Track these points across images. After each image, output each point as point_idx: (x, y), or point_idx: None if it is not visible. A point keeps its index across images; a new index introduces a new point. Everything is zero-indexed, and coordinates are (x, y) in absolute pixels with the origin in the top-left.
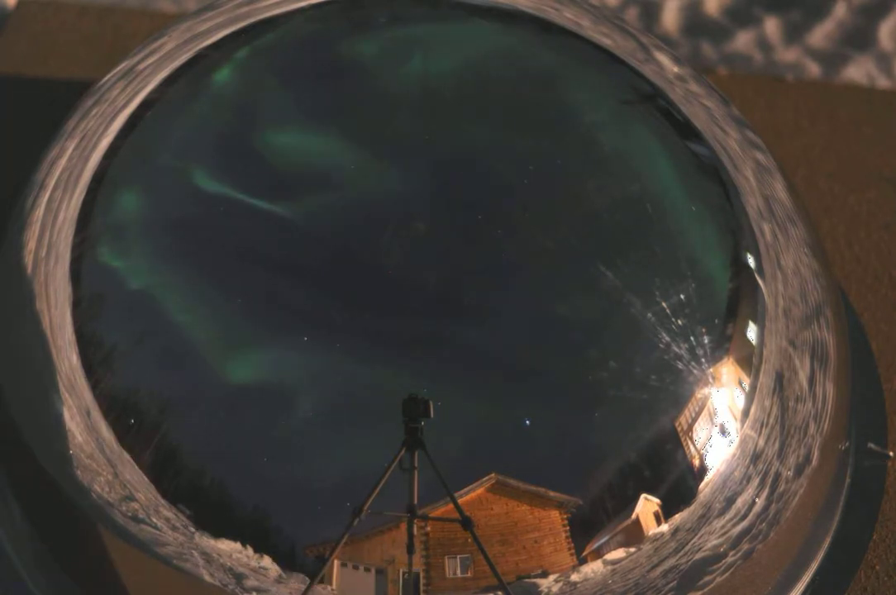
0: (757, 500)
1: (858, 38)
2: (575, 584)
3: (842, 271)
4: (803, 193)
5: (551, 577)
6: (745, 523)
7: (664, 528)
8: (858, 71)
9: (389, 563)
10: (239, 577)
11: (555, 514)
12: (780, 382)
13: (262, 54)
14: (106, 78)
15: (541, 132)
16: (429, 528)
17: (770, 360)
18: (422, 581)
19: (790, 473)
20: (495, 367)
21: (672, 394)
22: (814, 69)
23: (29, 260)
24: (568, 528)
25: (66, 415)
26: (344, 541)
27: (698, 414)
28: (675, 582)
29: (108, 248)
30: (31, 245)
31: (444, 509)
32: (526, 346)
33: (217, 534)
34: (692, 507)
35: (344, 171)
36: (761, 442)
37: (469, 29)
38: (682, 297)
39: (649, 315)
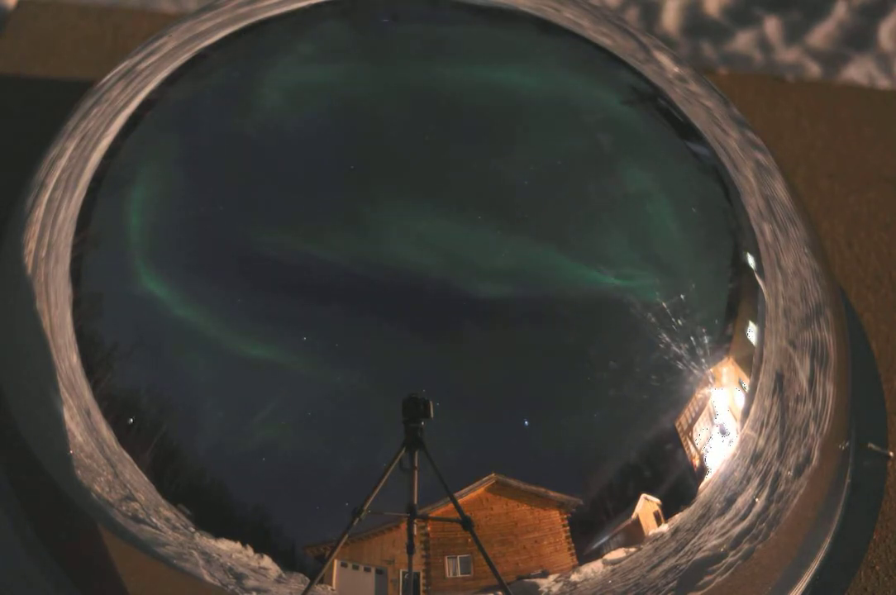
0: (757, 500)
1: (858, 38)
2: (575, 584)
3: (842, 271)
4: (803, 193)
5: (551, 577)
6: (745, 523)
7: (664, 528)
8: (858, 71)
9: (389, 563)
10: (239, 577)
11: (555, 514)
12: (780, 382)
13: (261, 54)
14: (106, 78)
15: (541, 133)
16: (429, 528)
17: (770, 360)
18: (422, 581)
19: (790, 473)
20: (495, 368)
21: (672, 394)
22: (814, 69)
23: (29, 260)
24: (568, 528)
25: (66, 415)
26: (344, 541)
27: (698, 414)
28: (675, 582)
29: (108, 248)
30: (31, 245)
31: (444, 509)
32: (526, 346)
33: (217, 534)
34: (692, 507)
35: (344, 169)
36: (761, 442)
37: (469, 29)
38: (682, 297)
39: (649, 315)
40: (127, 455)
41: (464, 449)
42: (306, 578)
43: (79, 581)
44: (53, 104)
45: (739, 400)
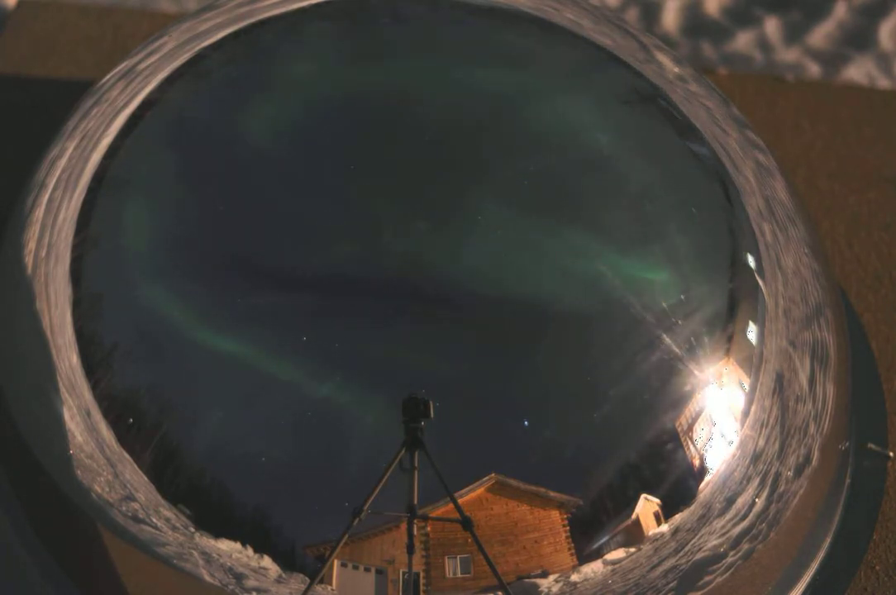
0: (757, 500)
1: (858, 38)
2: (575, 584)
3: (842, 271)
4: (803, 194)
5: (551, 577)
6: (745, 523)
7: (664, 528)
8: (858, 71)
9: (389, 563)
10: (239, 577)
11: (555, 514)
12: (781, 383)
13: (261, 54)
14: (106, 78)
15: (540, 132)
16: (429, 528)
17: (770, 360)
18: (422, 581)
19: (790, 474)
20: (496, 368)
21: (672, 394)
22: (814, 69)
23: (29, 260)
24: (568, 528)
25: (66, 415)
26: (344, 541)
27: (698, 414)
28: (676, 582)
29: (108, 248)
30: (31, 245)
31: (444, 509)
32: (526, 346)
33: (217, 534)
34: (692, 508)
35: (343, 168)
36: (761, 442)
37: (469, 29)
38: (682, 297)
39: (649, 315)
40: (127, 455)
41: (464, 449)
42: (306, 578)
43: (79, 581)
44: (53, 104)
45: (739, 400)
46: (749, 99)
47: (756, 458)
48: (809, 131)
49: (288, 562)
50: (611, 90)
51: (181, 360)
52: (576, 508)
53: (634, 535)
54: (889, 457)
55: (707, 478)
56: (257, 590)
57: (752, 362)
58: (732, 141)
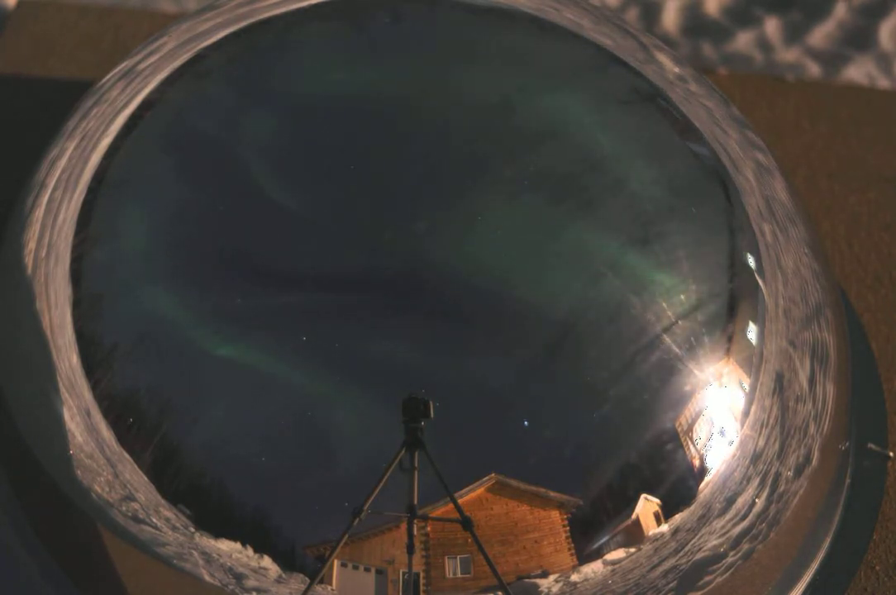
0: (757, 500)
1: (858, 38)
2: (575, 584)
3: (842, 271)
4: (804, 194)
5: (551, 577)
6: (745, 523)
7: (664, 528)
8: (858, 71)
9: (389, 563)
10: (239, 577)
11: (555, 514)
12: (781, 383)
13: (261, 54)
14: (106, 78)
15: (541, 133)
16: (429, 528)
17: (770, 360)
18: (422, 581)
19: (790, 474)
20: (495, 368)
21: (672, 394)
22: (814, 69)
23: (29, 260)
24: (568, 528)
25: (66, 415)
26: (344, 541)
27: (698, 414)
28: (676, 582)
29: (108, 248)
30: (31, 245)
31: (444, 509)
32: (526, 347)
33: (217, 534)
34: (692, 508)
35: (343, 168)
36: (761, 442)
37: (468, 29)
38: (682, 297)
39: (649, 315)
40: (127, 455)
41: (464, 449)
42: (306, 578)
43: (79, 581)
44: (53, 104)
45: (739, 400)
46: (749, 99)
47: (756, 458)
48: (809, 131)
49: (288, 562)
50: (611, 90)
51: (181, 360)
52: (576, 508)
53: (634, 535)
54: (889, 457)
55: (707, 478)
56: (257, 590)
57: (752, 362)
58: (732, 141)
